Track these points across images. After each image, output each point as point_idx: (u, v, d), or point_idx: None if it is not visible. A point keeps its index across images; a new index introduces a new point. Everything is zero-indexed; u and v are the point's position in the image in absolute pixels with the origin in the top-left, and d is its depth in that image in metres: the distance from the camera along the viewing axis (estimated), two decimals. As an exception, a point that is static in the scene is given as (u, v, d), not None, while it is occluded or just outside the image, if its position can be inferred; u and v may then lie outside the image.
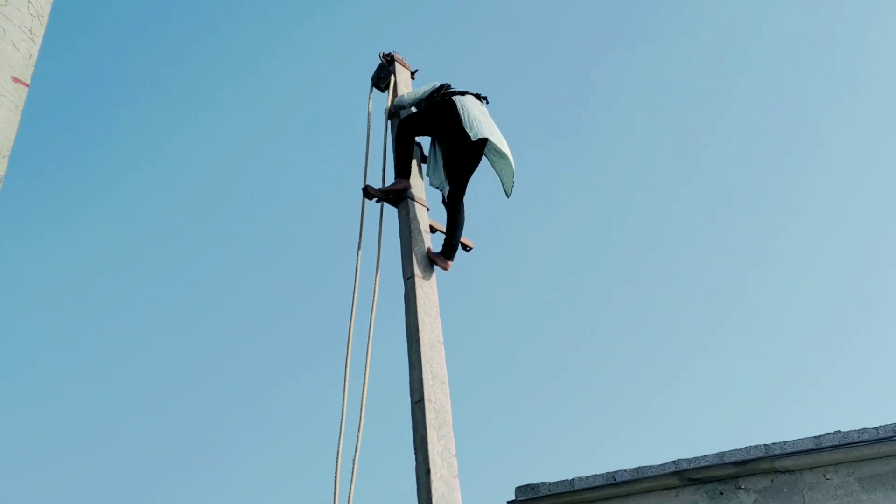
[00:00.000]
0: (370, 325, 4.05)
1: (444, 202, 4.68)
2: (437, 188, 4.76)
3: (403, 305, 4.27)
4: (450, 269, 4.52)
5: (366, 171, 4.71)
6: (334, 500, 3.51)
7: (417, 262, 4.39)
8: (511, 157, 4.64)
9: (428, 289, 4.32)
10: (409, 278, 4.36)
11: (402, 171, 4.63)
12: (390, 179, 4.72)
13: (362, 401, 3.81)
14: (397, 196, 4.64)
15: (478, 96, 4.77)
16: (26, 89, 2.45)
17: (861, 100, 18.14)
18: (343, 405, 3.76)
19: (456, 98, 4.60)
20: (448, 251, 4.53)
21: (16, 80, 2.42)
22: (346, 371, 3.87)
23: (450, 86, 4.83)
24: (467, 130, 4.41)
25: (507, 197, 4.73)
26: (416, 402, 3.88)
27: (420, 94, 4.83)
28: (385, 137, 4.93)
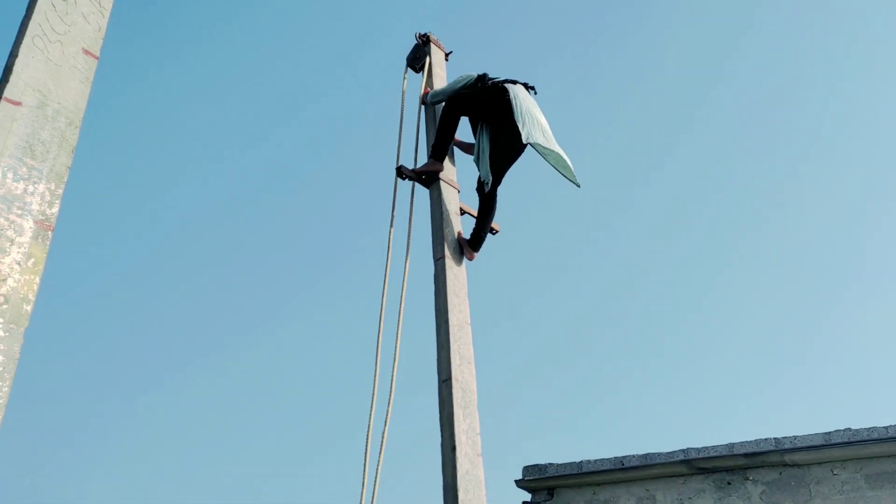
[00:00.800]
0: (401, 304, 4.12)
1: (477, 189, 4.65)
2: (484, 181, 4.63)
3: (433, 286, 4.34)
4: (474, 259, 4.55)
5: (398, 150, 4.76)
6: (364, 471, 3.61)
7: (448, 244, 4.45)
8: (562, 152, 4.52)
9: (457, 270, 4.39)
10: (439, 259, 4.43)
11: (439, 153, 4.62)
12: (422, 161, 4.77)
13: (392, 377, 3.90)
14: (429, 177, 4.70)
15: (526, 86, 4.69)
16: (96, 62, 2.52)
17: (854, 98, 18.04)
18: (374, 382, 3.85)
19: (508, 86, 4.53)
20: (476, 242, 4.53)
21: (86, 52, 2.49)
22: (377, 349, 3.96)
23: (487, 75, 4.74)
24: (519, 127, 4.31)
25: (578, 187, 4.62)
26: (444, 381, 3.97)
27: (457, 86, 4.75)
28: (419, 120, 4.97)
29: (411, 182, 4.69)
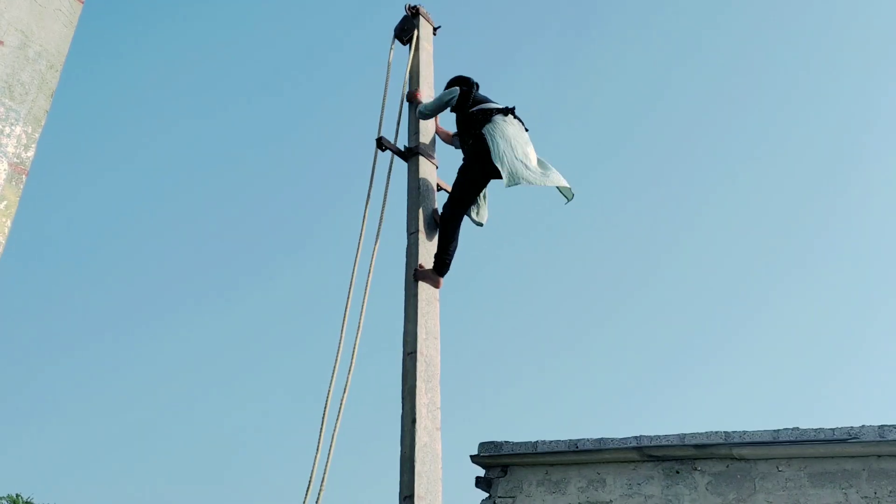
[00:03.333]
0: (369, 275, 4.14)
1: (443, 216, 4.43)
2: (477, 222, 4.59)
3: (405, 259, 4.37)
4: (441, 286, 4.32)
5: (381, 122, 4.74)
6: (319, 438, 3.64)
7: (423, 219, 4.47)
8: (548, 180, 4.35)
9: (430, 246, 4.42)
10: (412, 233, 4.45)
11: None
12: (403, 135, 4.78)
13: (355, 345, 3.92)
14: (409, 151, 4.70)
15: (506, 111, 4.46)
16: (81, 5, 2.47)
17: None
18: (339, 348, 3.87)
19: (485, 131, 4.31)
20: (441, 267, 4.29)
21: (72, -5, 2.43)
22: (343, 319, 3.98)
23: (472, 83, 4.61)
24: (498, 166, 4.17)
25: (568, 200, 4.57)
26: (409, 354, 4.01)
27: (442, 102, 4.62)
28: (403, 93, 4.95)
29: (391, 154, 4.68)
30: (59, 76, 2.44)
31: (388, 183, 4.58)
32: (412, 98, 4.90)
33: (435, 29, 5.42)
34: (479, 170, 4.39)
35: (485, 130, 4.33)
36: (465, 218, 4.51)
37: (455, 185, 4.49)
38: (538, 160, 4.48)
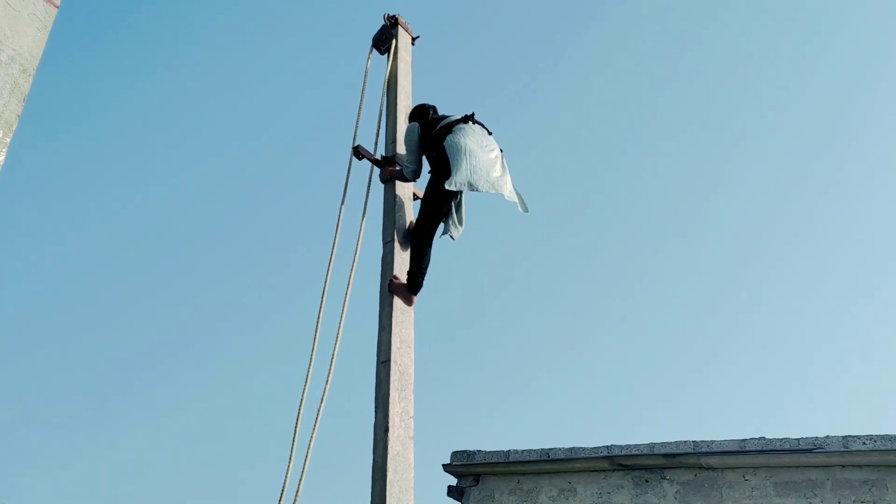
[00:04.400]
0: (348, 284, 4.14)
1: (414, 232, 4.43)
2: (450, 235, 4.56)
3: (380, 268, 4.37)
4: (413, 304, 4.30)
5: (356, 130, 4.75)
6: (293, 445, 3.62)
7: (398, 228, 4.49)
8: (505, 190, 4.36)
9: (405, 255, 4.43)
10: (388, 242, 4.46)
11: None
12: (382, 144, 4.80)
13: (333, 353, 3.92)
14: (386, 160, 4.72)
15: (465, 119, 4.47)
16: (56, 10, 2.46)
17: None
18: (311, 356, 3.86)
19: (446, 143, 4.30)
20: (414, 286, 4.27)
21: (47, 0, 2.42)
22: (317, 324, 3.97)
23: (426, 109, 4.62)
24: (452, 172, 4.17)
25: (526, 212, 4.55)
26: (383, 363, 4.02)
27: (414, 146, 4.54)
28: (382, 103, 4.97)
29: (369, 164, 4.69)
30: (31, 80, 2.42)
31: (368, 192, 4.58)
32: (387, 178, 4.66)
33: (413, 39, 5.45)
34: (442, 183, 4.34)
35: (445, 143, 4.31)
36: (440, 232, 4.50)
37: (422, 203, 4.46)
38: (502, 167, 4.44)
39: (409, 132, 4.57)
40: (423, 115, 4.63)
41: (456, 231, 4.59)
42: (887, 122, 18.19)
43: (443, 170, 4.30)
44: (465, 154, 4.21)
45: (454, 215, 4.58)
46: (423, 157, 4.58)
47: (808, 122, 18.79)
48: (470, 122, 4.46)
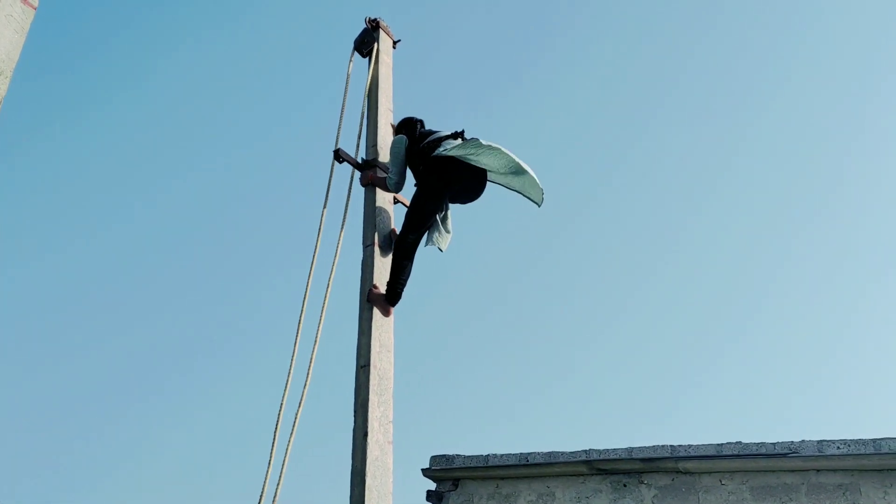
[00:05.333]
0: (328, 287, 4.12)
1: (398, 242, 4.37)
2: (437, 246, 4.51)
3: (360, 272, 4.37)
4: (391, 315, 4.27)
5: (338, 134, 4.74)
6: (272, 449, 3.60)
7: (378, 232, 4.48)
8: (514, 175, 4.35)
9: (386, 260, 4.42)
10: (368, 246, 4.45)
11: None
12: (363, 147, 4.79)
13: (312, 357, 3.89)
14: (367, 163, 4.71)
15: (455, 135, 4.46)
16: (33, 12, 2.43)
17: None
18: (292, 360, 3.83)
19: (436, 153, 4.31)
20: (393, 297, 4.23)
21: (24, 1, 2.40)
22: (298, 328, 3.95)
23: (414, 122, 4.62)
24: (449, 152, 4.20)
25: (538, 206, 4.45)
26: (362, 367, 4.01)
27: (399, 159, 4.53)
28: (364, 106, 4.96)
29: (351, 167, 4.68)
30: (8, 82, 2.39)
31: (349, 195, 4.57)
32: (368, 182, 4.64)
33: (395, 42, 5.45)
34: (431, 189, 4.35)
35: (435, 153, 4.30)
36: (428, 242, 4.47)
37: (407, 216, 4.41)
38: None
39: (396, 143, 4.54)
40: (410, 128, 4.61)
41: (444, 242, 4.50)
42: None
43: (429, 183, 4.29)
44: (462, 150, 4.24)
45: (441, 225, 4.49)
46: (408, 170, 4.56)
47: (814, 117, 18.98)
48: (460, 140, 4.42)
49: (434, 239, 4.47)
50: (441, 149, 4.31)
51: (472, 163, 4.24)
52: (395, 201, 4.78)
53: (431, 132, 4.56)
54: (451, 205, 4.55)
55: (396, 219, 4.70)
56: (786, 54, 18.79)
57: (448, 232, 4.55)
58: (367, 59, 5.22)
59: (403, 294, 4.26)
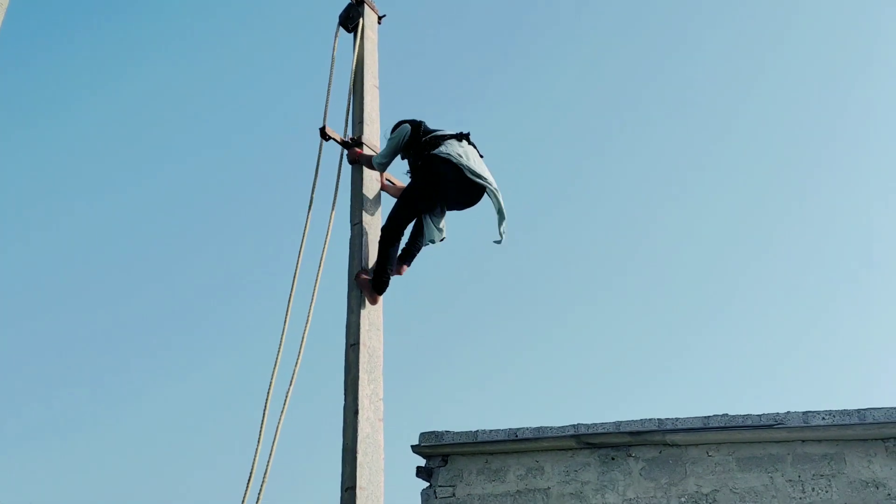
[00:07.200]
0: (319, 267, 4.09)
1: (381, 232, 4.31)
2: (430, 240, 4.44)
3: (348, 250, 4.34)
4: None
5: (326, 110, 4.69)
6: (261, 427, 3.59)
7: (366, 209, 4.45)
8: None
9: (373, 236, 4.40)
10: (356, 224, 4.43)
11: (381, 269, 4.21)
12: (351, 126, 4.75)
13: (303, 336, 3.88)
14: (354, 141, 4.67)
15: (460, 136, 4.39)
16: (7, 2, 2.37)
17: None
18: (282, 339, 3.81)
19: (437, 151, 4.26)
20: (380, 286, 4.18)
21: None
22: (287, 307, 3.93)
23: (418, 121, 4.52)
24: (468, 175, 4.16)
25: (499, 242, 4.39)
26: (351, 346, 4.00)
27: (396, 144, 4.46)
28: (351, 82, 4.91)
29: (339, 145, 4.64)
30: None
31: (339, 174, 4.53)
32: (354, 159, 4.57)
33: (380, 18, 5.38)
34: (424, 189, 4.29)
35: (436, 151, 4.24)
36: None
37: (397, 205, 4.35)
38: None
39: (399, 131, 4.48)
40: (415, 124, 4.52)
41: (438, 235, 4.43)
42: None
43: (425, 181, 4.26)
44: (465, 157, 4.22)
45: (433, 221, 4.39)
46: (399, 158, 4.54)
47: (811, 88, 19.00)
48: (464, 141, 4.36)
49: (430, 235, 4.38)
50: (443, 148, 4.25)
51: (469, 177, 4.20)
52: (386, 179, 4.75)
53: (435, 129, 4.49)
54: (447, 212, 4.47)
55: (385, 200, 4.67)
56: (765, 49, 18.80)
57: (440, 232, 4.44)
58: (353, 34, 5.15)
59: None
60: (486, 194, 4.34)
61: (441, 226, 4.46)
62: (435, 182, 4.27)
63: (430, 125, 4.57)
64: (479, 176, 4.23)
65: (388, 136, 4.59)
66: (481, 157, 4.46)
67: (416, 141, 4.42)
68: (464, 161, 4.21)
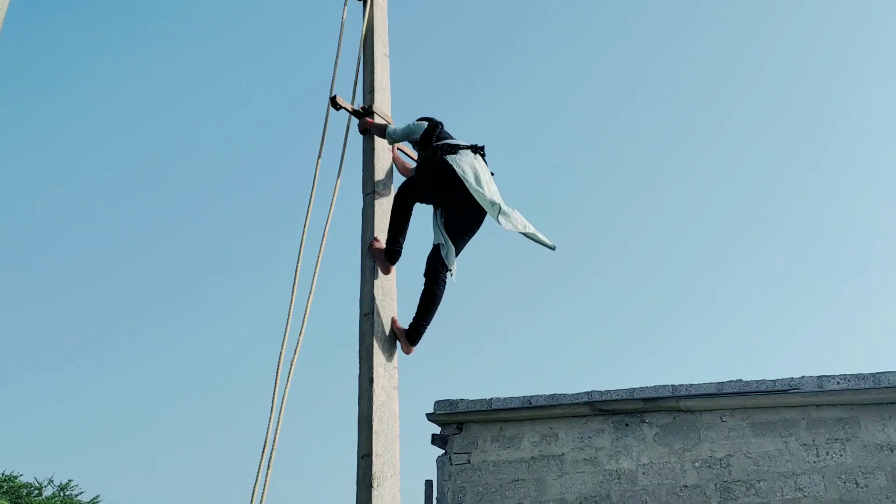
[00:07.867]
0: (323, 235, 4.10)
1: (426, 273, 4.14)
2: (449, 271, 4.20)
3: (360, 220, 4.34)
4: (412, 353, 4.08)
5: (333, 79, 4.66)
6: (273, 398, 3.62)
7: (377, 179, 4.44)
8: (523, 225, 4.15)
9: (386, 206, 4.39)
10: (368, 194, 4.42)
11: (392, 239, 4.19)
12: (360, 96, 4.71)
13: (307, 305, 3.89)
14: (365, 110, 4.65)
15: (475, 149, 4.29)
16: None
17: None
18: (290, 308, 3.83)
19: (449, 158, 4.14)
20: (414, 335, 4.05)
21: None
22: (295, 276, 3.94)
23: (438, 121, 4.46)
24: (477, 199, 4.01)
25: (552, 249, 4.26)
26: (365, 315, 4.02)
27: (410, 132, 4.43)
28: (360, 51, 4.87)
29: (347, 115, 4.62)
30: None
31: (345, 143, 4.51)
32: (365, 128, 4.57)
33: (389, -14, 5.31)
34: (425, 184, 4.22)
35: (448, 158, 4.14)
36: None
37: (409, 180, 4.31)
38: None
39: (418, 124, 4.43)
40: (434, 123, 4.45)
41: (444, 249, 4.18)
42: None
43: (430, 176, 4.21)
44: (474, 176, 4.08)
45: (438, 225, 4.22)
46: (408, 144, 4.51)
47: (808, 85, 18.72)
48: (478, 155, 4.28)
49: (449, 263, 4.17)
50: (457, 156, 4.16)
51: (476, 198, 4.07)
52: (399, 150, 4.73)
53: (451, 136, 4.42)
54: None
55: (397, 173, 4.66)
56: (761, 46, 18.43)
57: (445, 244, 4.20)
58: (362, 2, 5.10)
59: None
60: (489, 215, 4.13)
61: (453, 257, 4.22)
62: (436, 184, 4.20)
63: (442, 116, 4.53)
64: (481, 195, 4.05)
65: (410, 122, 4.52)
66: (493, 174, 4.31)
67: (427, 141, 4.36)
68: (469, 178, 4.08)
